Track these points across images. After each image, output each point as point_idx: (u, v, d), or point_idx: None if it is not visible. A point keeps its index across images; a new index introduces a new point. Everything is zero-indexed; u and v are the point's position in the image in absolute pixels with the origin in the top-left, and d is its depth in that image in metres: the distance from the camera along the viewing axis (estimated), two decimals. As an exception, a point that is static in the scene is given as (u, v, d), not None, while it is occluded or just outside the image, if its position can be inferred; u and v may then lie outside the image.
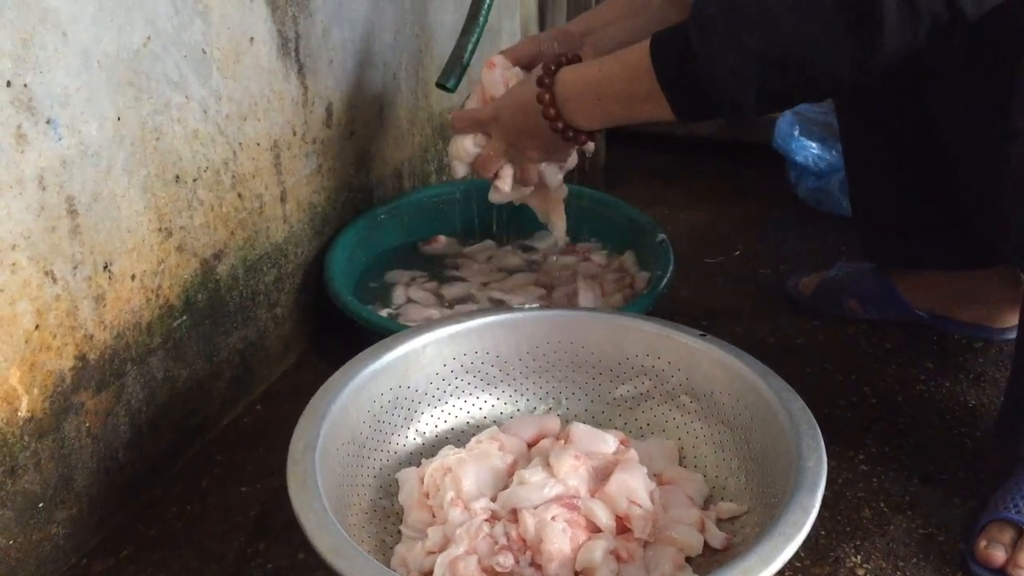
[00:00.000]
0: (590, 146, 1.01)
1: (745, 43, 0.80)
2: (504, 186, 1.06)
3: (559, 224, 1.16)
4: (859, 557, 0.89)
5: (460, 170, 1.09)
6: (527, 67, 1.09)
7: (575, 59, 0.99)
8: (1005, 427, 0.93)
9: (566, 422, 0.92)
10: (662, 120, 0.89)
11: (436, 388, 0.95)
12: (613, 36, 1.08)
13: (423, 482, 0.84)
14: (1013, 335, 1.19)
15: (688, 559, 0.80)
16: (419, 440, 0.93)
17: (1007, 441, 0.92)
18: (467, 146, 1.07)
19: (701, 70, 0.82)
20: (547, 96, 0.95)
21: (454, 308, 1.22)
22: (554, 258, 1.33)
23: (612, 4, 1.15)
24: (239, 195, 1.03)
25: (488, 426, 0.94)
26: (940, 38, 0.75)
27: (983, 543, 0.86)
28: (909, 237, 1.18)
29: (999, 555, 0.85)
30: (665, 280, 1.15)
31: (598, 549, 0.75)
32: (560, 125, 0.95)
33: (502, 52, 1.11)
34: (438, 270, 1.32)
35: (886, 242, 1.22)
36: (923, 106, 1.00)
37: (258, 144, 1.05)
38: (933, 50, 0.76)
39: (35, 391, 0.79)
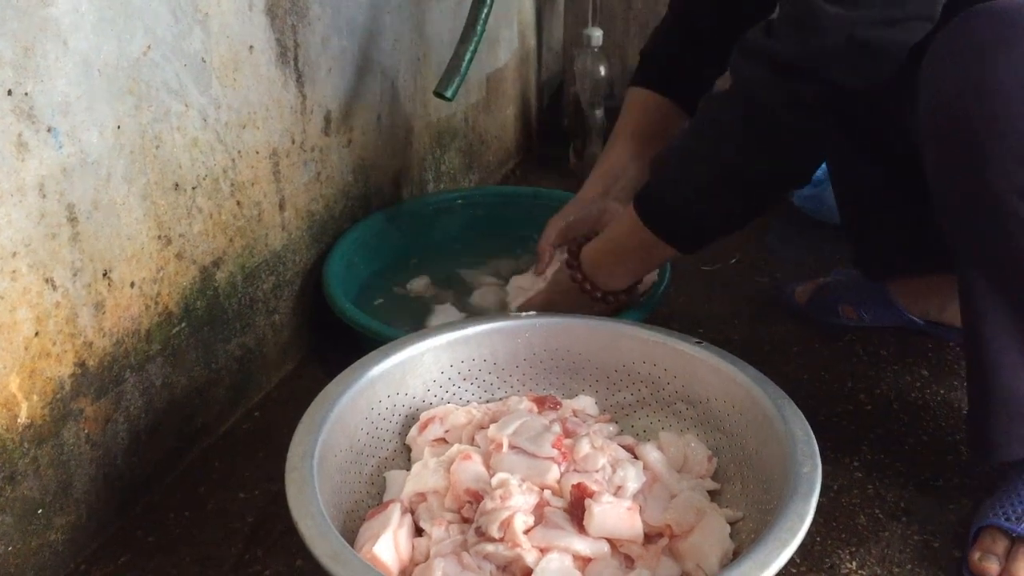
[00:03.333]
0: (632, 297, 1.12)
1: (699, 182, 0.95)
2: None
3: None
4: (854, 563, 0.89)
5: None
6: (563, 245, 1.20)
7: (592, 235, 1.11)
8: (975, 435, 0.92)
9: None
10: (664, 261, 1.10)
11: (434, 395, 0.95)
12: (628, 189, 1.18)
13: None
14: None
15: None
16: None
17: (980, 448, 0.91)
18: None
19: (682, 214, 0.97)
20: (579, 275, 1.07)
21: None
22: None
23: (619, 152, 1.22)
24: (238, 203, 1.03)
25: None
26: (837, 112, 0.89)
27: (977, 555, 0.86)
28: (902, 254, 1.18)
29: (993, 567, 0.85)
30: (662, 288, 1.16)
31: None
32: (599, 294, 1.07)
33: (539, 245, 1.23)
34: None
35: (876, 254, 1.22)
36: (902, 119, 1.01)
37: (257, 152, 1.05)
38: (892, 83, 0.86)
39: (34, 398, 0.80)
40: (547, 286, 1.16)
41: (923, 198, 1.08)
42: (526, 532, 0.76)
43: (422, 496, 0.83)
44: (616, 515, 0.78)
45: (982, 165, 0.77)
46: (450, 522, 0.80)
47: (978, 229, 0.82)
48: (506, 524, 0.75)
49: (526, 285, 1.23)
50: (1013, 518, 0.86)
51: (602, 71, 1.82)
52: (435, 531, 0.79)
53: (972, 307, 0.86)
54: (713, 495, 0.87)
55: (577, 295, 1.08)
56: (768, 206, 0.99)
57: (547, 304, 1.11)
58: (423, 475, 0.84)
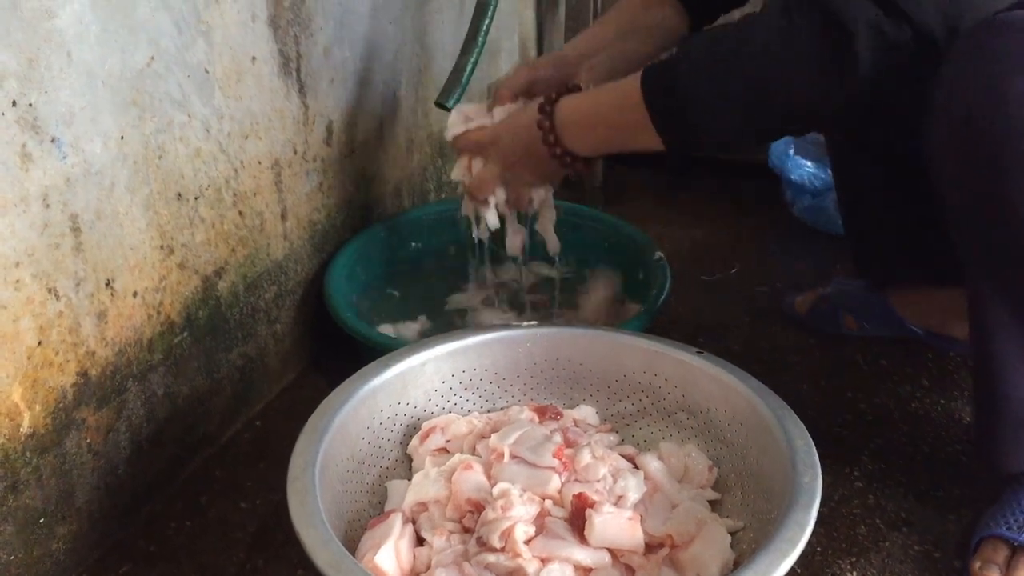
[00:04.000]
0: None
1: (727, 81, 0.86)
2: (491, 210, 1.09)
3: (552, 239, 1.17)
4: (855, 573, 0.89)
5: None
6: (525, 95, 1.11)
7: (575, 89, 1.02)
8: (981, 447, 0.93)
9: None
10: (653, 150, 0.94)
11: (435, 405, 0.95)
12: (608, 61, 1.11)
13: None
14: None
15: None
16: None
17: (986, 460, 0.91)
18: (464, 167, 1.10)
19: (687, 106, 0.88)
20: (547, 123, 0.98)
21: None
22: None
23: (605, 28, 1.17)
24: (240, 213, 1.04)
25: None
26: (911, 65, 0.80)
27: (978, 564, 0.86)
28: (902, 256, 1.18)
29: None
30: (662, 298, 1.16)
31: None
32: (558, 151, 0.99)
33: (502, 85, 1.13)
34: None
35: (880, 262, 1.23)
36: (909, 127, 1.01)
37: (259, 162, 1.06)
38: (905, 77, 0.81)
39: (37, 407, 0.80)
40: (500, 123, 1.07)
41: (924, 200, 1.08)
42: (527, 542, 0.76)
43: (423, 506, 0.83)
44: (617, 525, 0.78)
45: (998, 177, 0.76)
46: (451, 532, 0.80)
47: (990, 240, 0.81)
48: (507, 534, 0.75)
49: (472, 115, 1.11)
50: (1015, 528, 0.86)
51: (602, 81, 1.82)
52: (436, 541, 0.79)
53: (981, 318, 0.86)
54: (714, 505, 0.87)
55: (531, 142, 1.00)
56: (778, 138, 0.97)
57: (491, 140, 1.05)
58: (424, 485, 0.84)
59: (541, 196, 1.11)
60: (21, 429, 0.79)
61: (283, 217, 1.12)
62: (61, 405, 0.83)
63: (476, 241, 1.17)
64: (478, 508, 0.80)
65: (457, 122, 1.10)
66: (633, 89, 0.92)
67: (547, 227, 1.16)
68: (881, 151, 1.11)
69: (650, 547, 0.80)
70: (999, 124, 0.75)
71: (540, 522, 0.79)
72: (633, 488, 0.83)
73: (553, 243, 1.17)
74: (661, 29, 1.14)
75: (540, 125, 0.99)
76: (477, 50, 1.25)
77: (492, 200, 1.09)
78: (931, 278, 1.19)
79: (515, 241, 1.16)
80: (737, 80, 0.86)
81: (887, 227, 1.17)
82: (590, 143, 0.99)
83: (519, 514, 0.78)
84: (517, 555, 0.74)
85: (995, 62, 0.76)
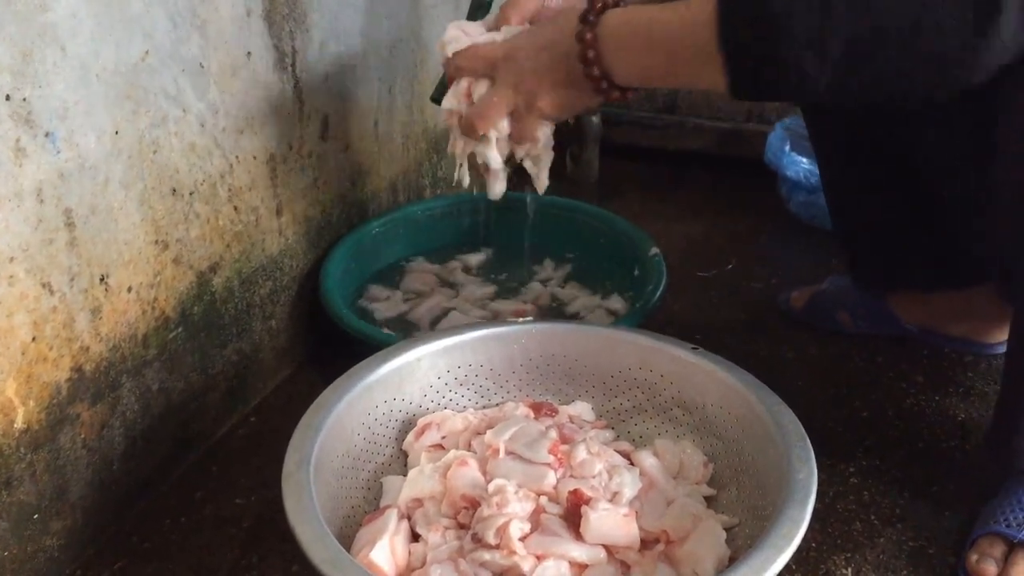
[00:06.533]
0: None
1: (836, 7, 0.66)
2: (491, 147, 0.91)
3: (543, 180, 1.00)
4: (850, 569, 0.89)
5: (459, 145, 0.93)
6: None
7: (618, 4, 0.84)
8: (996, 441, 0.93)
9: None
10: (709, 90, 0.77)
11: (431, 401, 0.95)
12: None
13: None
14: (1003, 349, 1.21)
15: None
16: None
17: (999, 456, 0.92)
18: (461, 92, 0.90)
19: (780, 38, 0.68)
20: (589, 35, 0.80)
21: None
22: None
23: None
24: (235, 208, 1.03)
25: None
26: None
27: (974, 557, 0.87)
28: (895, 263, 1.18)
29: (991, 569, 0.85)
30: (658, 294, 1.16)
31: None
32: (596, 71, 0.80)
33: (509, 5, 0.92)
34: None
35: (873, 269, 1.22)
36: (900, 130, 1.00)
37: (254, 157, 1.05)
38: None
39: (31, 403, 0.80)
40: (520, 35, 0.88)
41: (919, 212, 1.08)
42: (522, 539, 0.76)
43: (419, 502, 0.83)
44: (612, 522, 0.78)
45: None
46: (447, 528, 0.80)
47: None
48: (502, 531, 0.75)
49: (472, 32, 0.92)
50: (1015, 524, 0.86)
51: (598, 77, 1.81)
52: (432, 537, 0.79)
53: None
54: (709, 501, 0.87)
55: (563, 58, 0.82)
56: (874, 98, 0.76)
57: (507, 55, 0.86)
58: (419, 481, 0.84)
59: (546, 133, 0.91)
60: (15, 424, 0.78)
61: (278, 212, 1.12)
62: (55, 400, 0.82)
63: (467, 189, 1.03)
64: (473, 504, 0.80)
65: (458, 36, 0.91)
66: (702, 7, 0.72)
67: (543, 170, 0.98)
68: (872, 153, 1.10)
69: (645, 543, 0.80)
70: None
71: (535, 518, 0.79)
72: (628, 485, 0.83)
73: (543, 185, 1.00)
74: None
75: (580, 37, 0.80)
76: (473, 45, 1.24)
77: (494, 134, 0.90)
78: (924, 283, 1.19)
79: (497, 186, 0.97)
80: (849, 10, 0.66)
81: (879, 233, 1.17)
82: (638, 69, 0.80)
83: (514, 511, 0.78)
84: (512, 552, 0.74)
85: None
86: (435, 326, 1.23)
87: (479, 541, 0.76)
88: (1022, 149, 0.75)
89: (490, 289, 1.31)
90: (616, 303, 1.25)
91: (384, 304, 1.27)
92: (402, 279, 1.34)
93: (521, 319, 1.00)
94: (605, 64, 0.80)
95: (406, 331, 1.22)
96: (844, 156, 1.15)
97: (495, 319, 1.22)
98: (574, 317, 1.23)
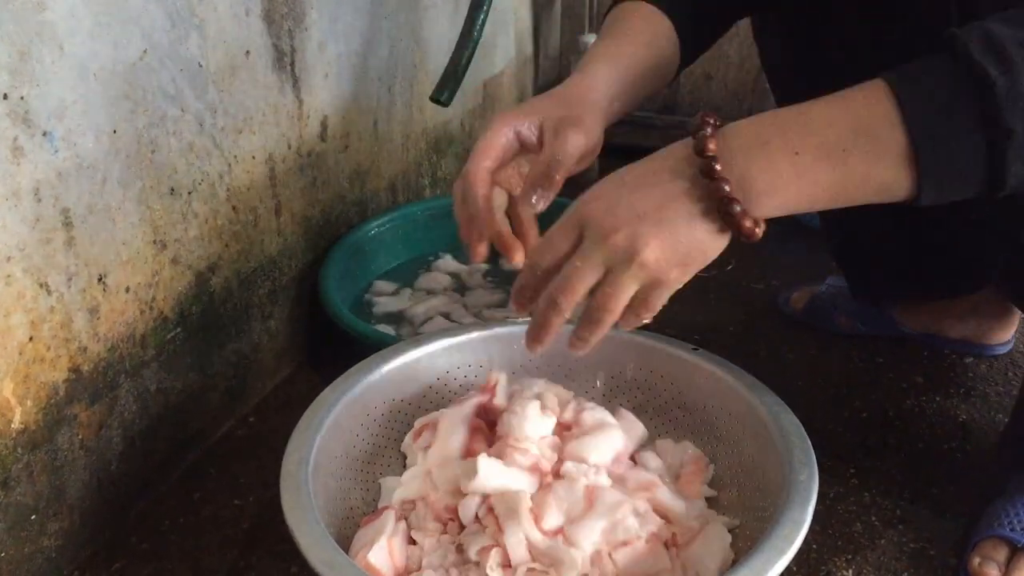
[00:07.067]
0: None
1: None
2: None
3: None
4: (850, 571, 0.89)
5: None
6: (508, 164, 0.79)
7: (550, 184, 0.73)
8: (1013, 446, 0.92)
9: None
10: (889, 200, 0.59)
11: (430, 401, 0.95)
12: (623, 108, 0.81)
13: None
14: (1003, 351, 1.21)
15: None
16: (412, 453, 0.93)
17: (1015, 459, 0.91)
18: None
19: (1001, 118, 0.53)
20: (712, 144, 0.60)
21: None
22: None
23: (624, 39, 0.84)
24: (234, 208, 1.03)
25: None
26: None
27: (976, 560, 0.86)
28: (892, 277, 1.17)
29: (993, 572, 0.85)
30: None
31: None
32: (739, 208, 0.60)
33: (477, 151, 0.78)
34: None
35: (869, 284, 1.21)
36: None
37: (253, 157, 1.05)
38: None
39: (28, 403, 0.79)
40: (614, 175, 0.66)
41: (913, 225, 1.07)
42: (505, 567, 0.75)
43: (411, 504, 0.83)
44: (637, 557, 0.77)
45: None
46: (440, 532, 0.80)
47: None
48: (484, 553, 0.75)
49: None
50: (1019, 529, 0.86)
51: (598, 77, 1.81)
52: (427, 541, 0.78)
53: None
54: (710, 502, 0.87)
55: (686, 193, 0.61)
56: None
57: (596, 199, 0.64)
58: (410, 482, 0.84)
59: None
60: (12, 425, 0.78)
61: (277, 212, 1.12)
62: (53, 401, 0.82)
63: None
64: (456, 515, 0.79)
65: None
66: (885, 104, 0.56)
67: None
68: None
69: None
70: None
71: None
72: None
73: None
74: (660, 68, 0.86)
75: (701, 150, 0.60)
76: (472, 45, 1.25)
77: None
78: (923, 294, 1.18)
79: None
80: None
81: (875, 248, 1.15)
82: (787, 180, 0.59)
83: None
84: None
85: None
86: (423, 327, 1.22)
87: (462, 553, 0.76)
88: None
89: (496, 296, 1.30)
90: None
91: (388, 299, 1.28)
92: (421, 276, 1.33)
93: (521, 319, 0.99)
94: (736, 177, 0.60)
95: (399, 328, 1.22)
96: None
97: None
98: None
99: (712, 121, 0.61)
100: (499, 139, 0.77)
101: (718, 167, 0.59)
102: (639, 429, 0.91)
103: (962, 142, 0.55)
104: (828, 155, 0.58)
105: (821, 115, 0.59)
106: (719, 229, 0.62)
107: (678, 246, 0.63)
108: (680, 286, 0.66)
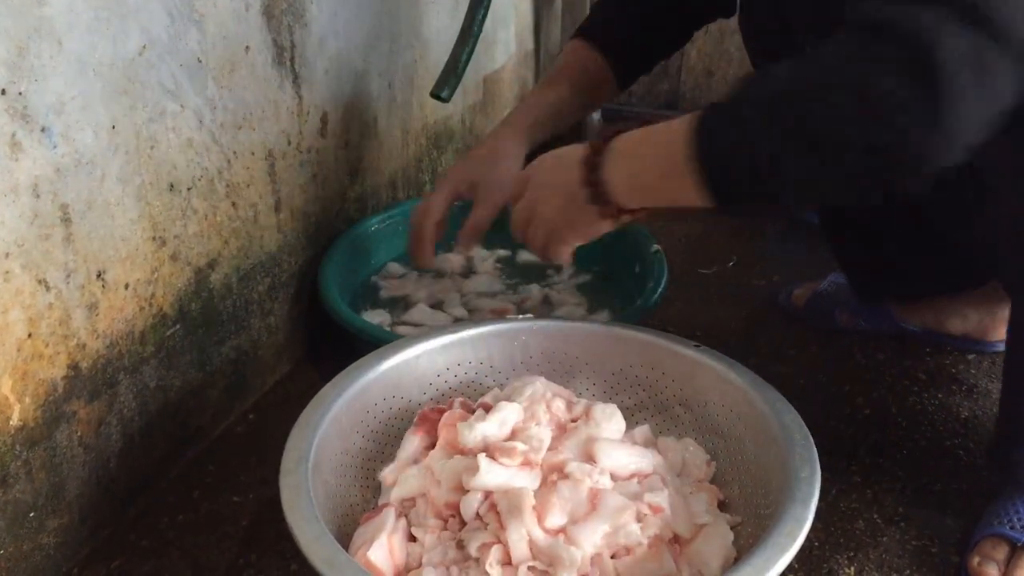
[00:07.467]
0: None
1: (799, 121, 0.67)
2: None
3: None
4: (852, 568, 0.89)
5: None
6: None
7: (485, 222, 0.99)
8: (997, 454, 0.92)
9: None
10: (699, 210, 0.76)
11: (430, 398, 0.95)
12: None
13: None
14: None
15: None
16: (412, 450, 0.93)
17: (1005, 468, 0.91)
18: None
19: (751, 152, 0.70)
20: (599, 154, 0.82)
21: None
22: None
23: (553, 96, 1.10)
24: (233, 204, 1.03)
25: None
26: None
27: (976, 559, 0.86)
28: (893, 274, 1.17)
29: (993, 572, 0.84)
30: (659, 291, 1.15)
31: None
32: (597, 183, 0.81)
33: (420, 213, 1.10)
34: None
35: (872, 281, 1.21)
36: None
37: (252, 153, 1.05)
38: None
39: (27, 400, 0.79)
40: (534, 180, 0.90)
41: (913, 224, 1.07)
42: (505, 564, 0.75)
43: (411, 501, 0.83)
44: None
45: None
46: (441, 529, 0.79)
47: None
48: (484, 550, 0.75)
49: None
50: (1019, 527, 0.86)
51: (599, 74, 1.80)
52: (427, 538, 0.78)
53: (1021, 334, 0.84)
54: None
55: (573, 194, 0.84)
56: (862, 196, 0.71)
57: (529, 210, 0.89)
58: (409, 480, 0.83)
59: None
60: (11, 422, 0.78)
61: (277, 209, 1.12)
62: (51, 398, 0.82)
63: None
64: (458, 511, 0.79)
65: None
66: (683, 137, 0.73)
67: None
68: None
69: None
70: None
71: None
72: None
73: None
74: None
75: (589, 158, 0.82)
76: (473, 40, 1.24)
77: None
78: (924, 290, 1.18)
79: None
80: (815, 122, 0.66)
81: (874, 248, 1.16)
82: (633, 184, 0.80)
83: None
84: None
85: None
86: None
87: (463, 548, 0.76)
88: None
89: (499, 286, 1.30)
90: (602, 318, 1.24)
91: (396, 283, 1.27)
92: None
93: (522, 316, 0.99)
94: (604, 176, 0.81)
95: (398, 313, 1.22)
96: None
97: (464, 319, 1.21)
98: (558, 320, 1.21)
99: (610, 134, 0.82)
100: (443, 204, 1.09)
101: (600, 170, 0.81)
102: (620, 424, 0.89)
103: (728, 160, 0.72)
104: (659, 168, 0.77)
105: (661, 134, 0.77)
106: (599, 214, 0.83)
107: (577, 224, 0.86)
108: (576, 242, 0.88)
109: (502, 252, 1.36)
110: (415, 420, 0.90)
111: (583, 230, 0.86)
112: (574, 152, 0.84)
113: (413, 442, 0.87)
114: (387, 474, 0.85)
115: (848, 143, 0.65)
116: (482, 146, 1.10)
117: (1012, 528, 0.86)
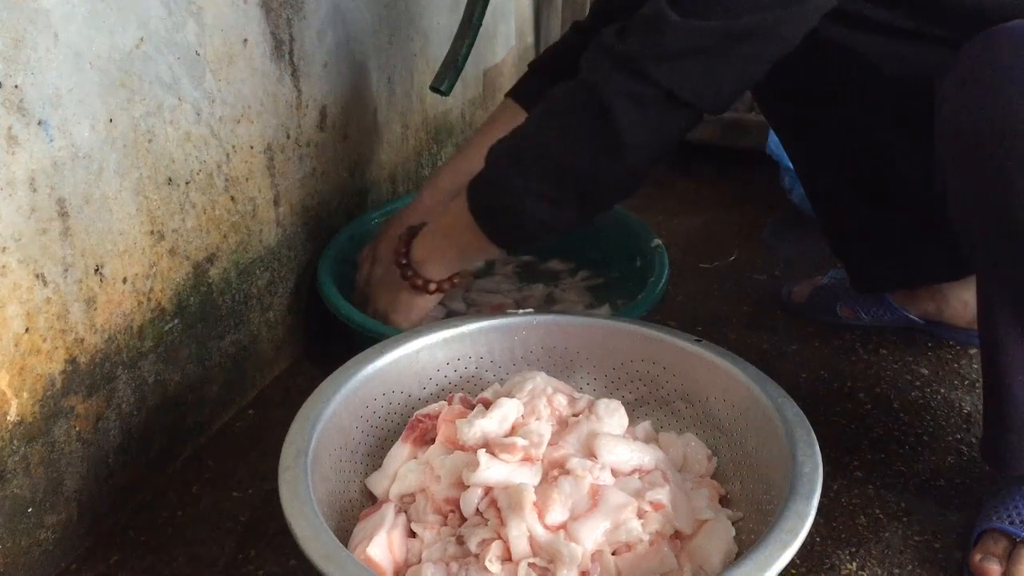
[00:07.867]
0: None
1: (530, 167, 0.90)
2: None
3: None
4: (855, 564, 0.89)
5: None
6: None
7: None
8: (990, 448, 0.91)
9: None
10: (488, 257, 1.05)
11: (429, 393, 0.94)
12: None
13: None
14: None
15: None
16: (412, 445, 0.93)
17: (995, 462, 0.90)
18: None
19: (504, 197, 0.92)
20: (405, 244, 1.04)
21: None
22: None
23: (472, 159, 1.14)
24: (232, 198, 1.02)
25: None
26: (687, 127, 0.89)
27: (978, 556, 0.86)
28: (891, 264, 1.17)
29: (994, 568, 0.84)
30: (660, 285, 1.15)
31: None
32: (404, 261, 1.03)
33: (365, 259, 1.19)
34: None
35: (870, 272, 1.21)
36: (868, 138, 1.01)
37: (251, 147, 1.04)
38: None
39: (24, 395, 0.79)
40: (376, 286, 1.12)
41: (905, 210, 1.07)
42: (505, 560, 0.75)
43: (411, 497, 0.82)
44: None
45: (1007, 199, 0.75)
46: (440, 524, 0.79)
47: (1000, 255, 0.80)
48: (485, 546, 0.74)
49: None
50: (1018, 522, 0.85)
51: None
52: (427, 534, 0.78)
53: (992, 327, 0.84)
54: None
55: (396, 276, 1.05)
56: (593, 213, 0.93)
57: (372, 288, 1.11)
58: (407, 476, 0.83)
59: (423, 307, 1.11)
60: (8, 417, 0.77)
61: (276, 203, 1.11)
62: (49, 393, 0.81)
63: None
64: (457, 507, 0.79)
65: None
66: (462, 206, 0.96)
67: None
68: (847, 161, 1.10)
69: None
70: (1004, 145, 0.74)
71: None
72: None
73: None
74: None
75: (405, 276, 1.04)
76: (472, 34, 1.23)
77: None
78: (924, 277, 1.18)
79: None
80: (540, 165, 0.89)
81: (870, 236, 1.16)
82: (436, 256, 1.03)
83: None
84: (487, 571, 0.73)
85: (995, 77, 0.74)
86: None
87: (462, 544, 0.75)
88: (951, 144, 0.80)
89: (508, 286, 1.29)
90: (602, 313, 1.23)
91: None
92: None
93: (522, 311, 0.98)
94: (412, 257, 1.04)
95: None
96: (820, 165, 1.15)
97: (461, 314, 1.20)
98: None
99: (414, 229, 1.05)
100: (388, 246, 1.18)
101: (405, 251, 1.04)
102: (623, 420, 0.89)
103: (492, 210, 0.95)
104: (450, 239, 1.01)
105: (452, 213, 0.98)
106: (411, 289, 1.05)
107: (398, 304, 1.08)
108: (404, 322, 1.08)
109: (526, 258, 1.36)
110: (406, 427, 0.89)
111: (404, 311, 1.07)
112: (392, 250, 1.06)
113: (403, 451, 0.87)
114: (373, 482, 0.85)
115: (572, 172, 0.88)
116: (410, 208, 1.20)
117: (1012, 523, 0.86)
